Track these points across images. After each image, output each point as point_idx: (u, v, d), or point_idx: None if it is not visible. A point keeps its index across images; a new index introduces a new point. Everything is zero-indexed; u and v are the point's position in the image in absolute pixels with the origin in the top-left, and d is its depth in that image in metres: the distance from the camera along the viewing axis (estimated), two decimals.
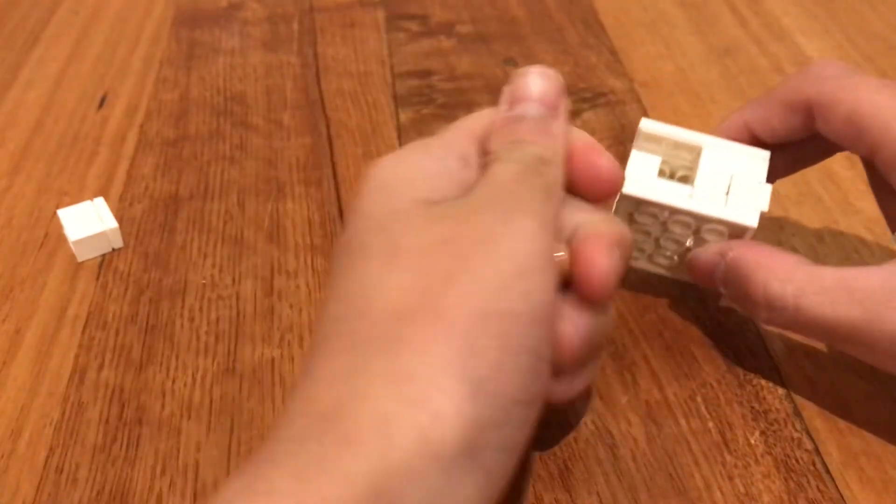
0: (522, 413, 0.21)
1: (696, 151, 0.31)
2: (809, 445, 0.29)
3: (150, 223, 0.39)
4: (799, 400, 0.31)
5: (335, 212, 0.39)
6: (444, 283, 0.21)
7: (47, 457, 0.29)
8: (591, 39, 0.51)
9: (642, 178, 0.31)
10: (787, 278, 0.27)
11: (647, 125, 0.31)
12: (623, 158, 0.32)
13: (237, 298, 0.35)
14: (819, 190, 0.39)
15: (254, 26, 0.53)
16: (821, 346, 0.32)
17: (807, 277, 0.27)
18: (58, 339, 0.34)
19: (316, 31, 0.52)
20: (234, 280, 0.36)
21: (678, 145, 0.31)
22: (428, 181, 0.24)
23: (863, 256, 0.36)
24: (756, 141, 0.31)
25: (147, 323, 0.34)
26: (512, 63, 0.49)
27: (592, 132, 0.43)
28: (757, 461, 0.29)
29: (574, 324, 0.24)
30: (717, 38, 0.51)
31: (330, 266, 0.25)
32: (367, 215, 0.23)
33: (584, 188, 0.27)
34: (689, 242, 0.31)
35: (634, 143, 0.31)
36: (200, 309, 0.35)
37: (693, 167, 0.31)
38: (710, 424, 0.30)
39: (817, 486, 0.28)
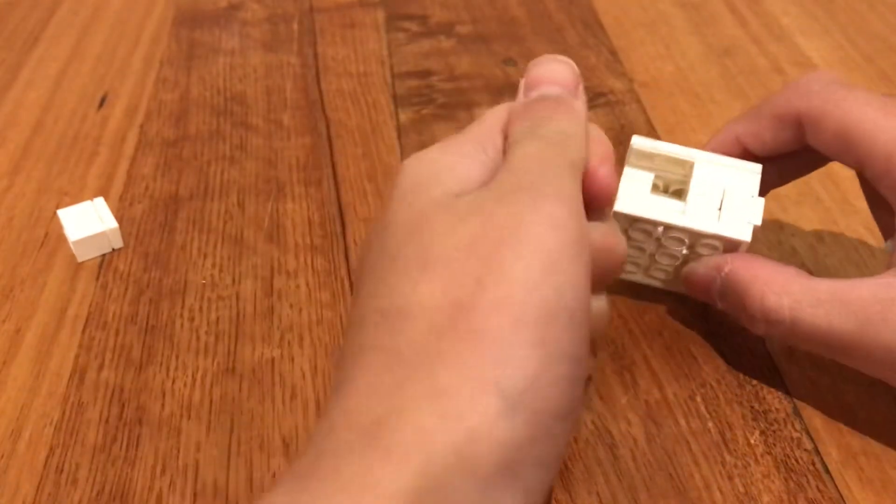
0: (561, 427, 0.21)
1: (688, 166, 0.31)
2: (809, 445, 0.29)
3: (150, 223, 0.39)
4: (798, 400, 0.31)
5: (335, 212, 0.39)
6: (475, 291, 0.20)
7: (47, 457, 0.29)
8: (591, 39, 0.51)
9: (635, 195, 0.31)
10: (783, 291, 0.28)
11: (638, 142, 0.32)
12: (623, 159, 0.32)
13: (237, 298, 0.35)
14: (819, 190, 0.39)
15: (254, 26, 0.53)
16: None
17: (802, 290, 0.27)
18: (58, 339, 0.34)
19: (316, 32, 0.52)
20: (234, 280, 0.36)
21: (670, 161, 0.31)
22: (456, 177, 0.23)
23: (862, 256, 0.36)
24: (747, 154, 0.32)
25: (147, 323, 0.34)
26: (512, 63, 0.49)
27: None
28: (757, 461, 0.29)
29: None
30: (716, 39, 0.51)
31: (358, 273, 0.24)
32: (395, 222, 0.23)
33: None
34: (683, 257, 0.32)
35: (627, 161, 0.32)
36: (200, 309, 0.35)
37: (686, 181, 0.31)
38: (710, 424, 0.30)
39: (817, 486, 0.28)
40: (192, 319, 0.34)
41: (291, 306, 0.35)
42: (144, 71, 0.49)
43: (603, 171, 0.25)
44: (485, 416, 0.19)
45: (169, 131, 0.44)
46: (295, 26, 0.53)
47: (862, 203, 0.32)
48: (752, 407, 0.30)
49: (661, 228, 0.31)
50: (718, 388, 0.31)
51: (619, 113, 0.45)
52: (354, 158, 0.42)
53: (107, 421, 0.30)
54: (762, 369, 0.32)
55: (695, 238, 0.31)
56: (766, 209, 0.38)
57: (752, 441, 0.29)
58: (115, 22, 0.54)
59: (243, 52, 0.50)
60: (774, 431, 0.30)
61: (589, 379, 0.31)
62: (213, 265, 0.37)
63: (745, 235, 0.30)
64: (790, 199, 0.39)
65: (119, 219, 0.38)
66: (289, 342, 0.33)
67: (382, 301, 0.21)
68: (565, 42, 0.51)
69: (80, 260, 0.37)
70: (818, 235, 0.37)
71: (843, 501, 0.27)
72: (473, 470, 0.18)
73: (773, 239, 0.37)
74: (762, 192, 0.31)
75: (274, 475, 0.29)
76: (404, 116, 0.45)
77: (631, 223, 0.31)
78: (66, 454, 0.29)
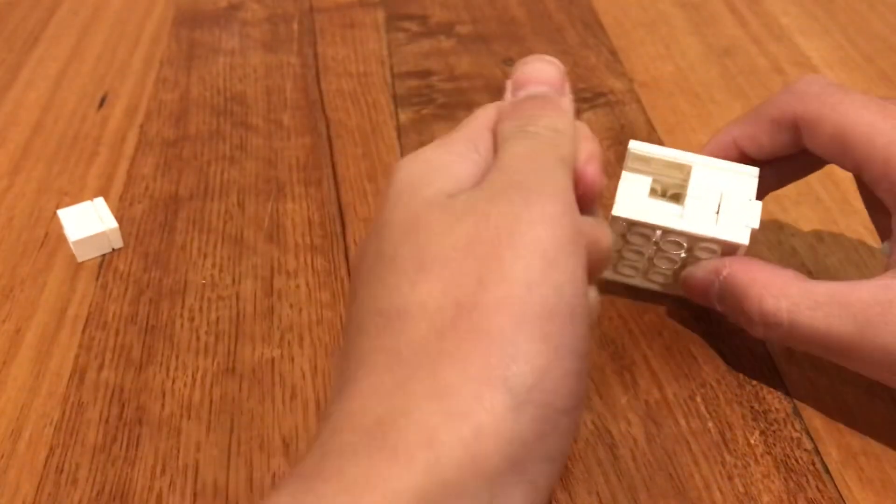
0: (567, 422, 0.21)
1: (685, 170, 0.31)
2: (809, 445, 0.29)
3: (150, 223, 0.39)
4: (798, 400, 0.31)
5: (335, 212, 0.39)
6: (476, 291, 0.20)
7: (47, 457, 0.29)
8: (591, 40, 0.51)
9: (633, 199, 0.31)
10: (781, 294, 0.28)
11: (635, 147, 0.32)
12: (622, 159, 0.32)
13: (237, 298, 0.35)
14: (819, 190, 0.39)
15: (254, 27, 0.53)
16: None
17: (800, 293, 0.27)
18: (58, 339, 0.34)
19: (316, 32, 0.52)
20: (234, 280, 0.36)
21: (668, 165, 0.32)
22: (449, 177, 0.24)
23: (862, 256, 0.36)
24: (744, 158, 0.32)
25: (147, 323, 0.34)
26: (511, 63, 0.49)
27: (592, 132, 0.43)
28: (756, 461, 0.29)
29: None
30: (716, 39, 0.51)
31: (356, 274, 0.24)
32: (391, 223, 0.23)
33: None
34: (681, 260, 0.32)
35: (624, 165, 0.32)
36: (200, 309, 0.35)
37: (684, 185, 0.31)
38: (710, 424, 0.30)
39: (817, 486, 0.28)
40: (192, 319, 0.34)
41: (291, 306, 0.35)
42: (144, 71, 0.49)
43: (590, 168, 0.25)
44: (492, 412, 0.19)
45: (169, 131, 0.44)
46: (295, 26, 0.53)
47: (861, 203, 0.32)
48: (752, 407, 0.30)
49: (659, 232, 0.31)
50: (718, 388, 0.31)
51: (619, 113, 0.45)
52: (354, 158, 0.42)
53: (107, 421, 0.31)
54: (762, 369, 0.32)
55: (693, 242, 0.31)
56: (766, 209, 0.38)
57: (752, 441, 0.29)
58: (115, 22, 0.54)
59: (243, 52, 0.51)
60: (774, 431, 0.30)
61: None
62: (213, 265, 0.37)
63: (743, 239, 0.30)
64: (790, 200, 0.39)
65: (119, 219, 0.38)
66: (289, 342, 0.33)
67: (382, 302, 0.22)
68: (565, 42, 0.51)
69: (80, 260, 0.37)
70: (818, 235, 0.37)
71: (843, 501, 0.27)
72: (480, 466, 0.19)
73: (773, 239, 0.37)
74: (760, 196, 0.31)
75: (274, 475, 0.29)
76: (404, 116, 0.45)
77: (629, 227, 0.31)
78: (66, 454, 0.29)
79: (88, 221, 0.37)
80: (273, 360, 0.33)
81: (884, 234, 0.31)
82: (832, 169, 0.31)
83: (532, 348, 0.20)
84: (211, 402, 0.31)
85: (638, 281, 0.34)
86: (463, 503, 0.18)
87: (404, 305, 0.21)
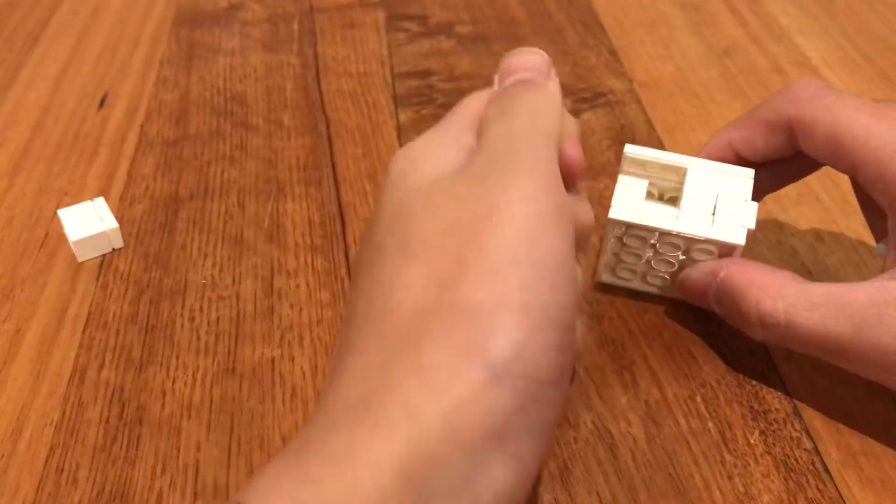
0: (550, 394, 0.21)
1: (681, 172, 0.32)
2: (809, 445, 0.29)
3: (151, 223, 0.39)
4: (798, 400, 0.31)
5: (335, 211, 0.39)
6: (456, 270, 0.21)
7: (47, 457, 0.29)
8: (591, 40, 0.51)
9: (629, 202, 0.31)
10: (778, 295, 0.28)
11: (631, 150, 0.32)
12: (622, 159, 0.32)
13: (237, 298, 0.35)
14: (818, 190, 0.39)
15: (254, 27, 0.53)
16: None
17: (797, 294, 0.27)
18: (58, 339, 0.34)
19: (316, 32, 0.52)
20: (234, 280, 0.36)
21: (663, 167, 0.32)
22: (436, 164, 0.24)
23: (862, 256, 0.36)
24: (740, 160, 0.32)
25: (147, 323, 0.34)
26: None
27: (592, 132, 0.44)
28: (756, 461, 0.29)
29: None
30: (716, 39, 0.51)
31: (355, 265, 0.25)
32: (382, 212, 0.24)
33: None
34: (679, 263, 0.32)
35: (620, 169, 0.32)
36: (200, 309, 0.35)
37: (680, 188, 0.31)
38: (710, 424, 0.30)
39: (816, 486, 0.28)
40: (192, 319, 0.34)
41: (291, 306, 0.35)
42: (144, 71, 0.49)
43: (567, 146, 0.26)
44: (470, 385, 0.19)
45: (169, 131, 0.44)
46: (295, 26, 0.53)
47: None
48: (752, 407, 0.30)
49: (655, 235, 0.31)
50: (718, 388, 0.31)
51: (619, 113, 0.45)
52: (354, 158, 0.42)
53: (107, 421, 0.31)
54: (762, 369, 0.32)
55: (689, 243, 0.31)
56: (766, 209, 0.38)
57: (752, 441, 0.29)
58: (115, 22, 0.54)
59: (243, 52, 0.51)
60: (774, 431, 0.30)
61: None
62: (214, 265, 0.37)
63: (740, 239, 0.30)
64: (790, 199, 0.39)
65: (119, 219, 0.38)
66: (289, 342, 0.33)
67: (372, 288, 0.22)
68: (565, 42, 0.51)
69: (80, 260, 0.37)
70: (818, 235, 0.37)
71: (843, 501, 0.27)
72: (461, 438, 0.19)
73: (772, 239, 0.37)
74: (756, 198, 0.31)
75: None
76: (404, 116, 0.45)
77: (626, 230, 0.31)
78: (66, 454, 0.29)
79: (89, 221, 0.37)
80: (273, 359, 0.33)
81: (879, 235, 0.31)
82: (832, 169, 0.31)
83: (511, 321, 0.20)
84: (211, 401, 0.31)
85: (636, 284, 0.34)
86: (444, 474, 0.19)
87: (389, 289, 0.22)
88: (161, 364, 0.32)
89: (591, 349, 0.32)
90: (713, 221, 0.30)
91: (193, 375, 0.32)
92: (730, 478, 0.28)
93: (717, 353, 0.32)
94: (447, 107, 0.45)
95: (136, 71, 0.49)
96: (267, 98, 0.47)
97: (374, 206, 0.25)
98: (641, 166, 0.32)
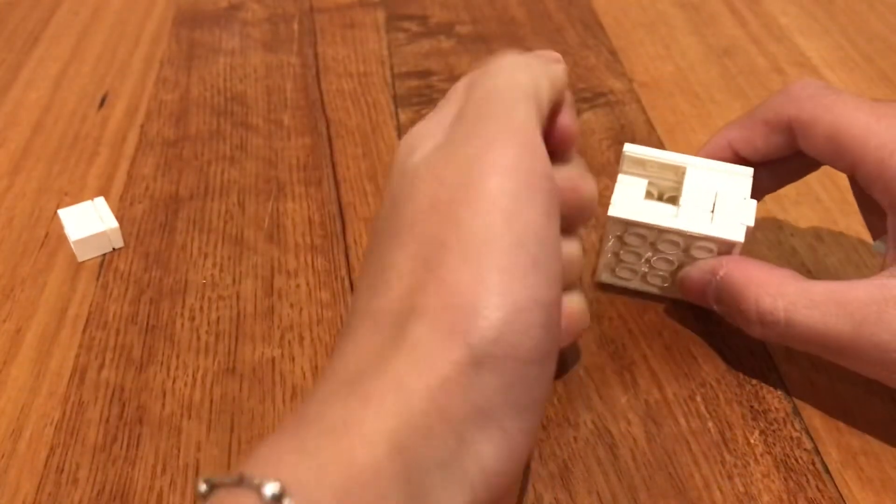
0: (535, 372, 0.21)
1: (680, 172, 0.32)
2: (809, 445, 0.29)
3: (151, 223, 0.39)
4: (798, 399, 0.31)
5: (335, 211, 0.39)
6: (439, 251, 0.21)
7: (48, 456, 0.29)
8: (591, 40, 0.51)
9: (629, 201, 0.31)
10: (777, 293, 0.28)
11: (630, 149, 0.32)
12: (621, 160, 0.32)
13: (237, 298, 0.35)
14: (818, 190, 0.39)
15: (254, 27, 0.53)
16: None
17: (797, 292, 0.27)
18: (58, 339, 0.34)
19: (316, 32, 0.52)
20: (234, 280, 0.36)
21: (663, 166, 0.32)
22: (430, 142, 0.24)
23: (862, 256, 0.36)
24: (740, 160, 0.32)
25: (147, 323, 0.34)
26: None
27: (592, 132, 0.44)
28: (756, 461, 0.29)
29: None
30: (716, 39, 0.51)
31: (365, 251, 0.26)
32: (385, 197, 0.25)
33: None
34: (678, 261, 0.32)
35: (620, 168, 0.32)
36: (201, 308, 0.35)
37: (679, 187, 0.32)
38: (710, 424, 0.30)
39: (816, 486, 0.28)
40: (192, 319, 0.34)
41: (292, 306, 0.35)
42: (144, 71, 0.49)
43: (562, 117, 0.26)
44: (455, 364, 0.20)
45: (169, 131, 0.44)
46: (295, 26, 0.53)
47: None
48: (752, 406, 0.30)
49: (655, 233, 0.31)
50: (718, 388, 0.31)
51: (619, 113, 0.45)
52: (354, 158, 0.42)
53: (107, 420, 0.31)
54: (762, 369, 0.32)
55: (689, 241, 0.31)
56: (766, 209, 0.38)
57: (752, 441, 0.29)
58: (115, 22, 0.54)
59: (243, 52, 0.51)
60: (774, 431, 0.30)
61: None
62: (214, 265, 0.37)
63: (738, 236, 0.30)
64: (790, 199, 0.39)
65: (119, 219, 0.38)
66: (289, 342, 0.33)
67: (369, 272, 0.23)
68: (565, 42, 0.51)
69: (80, 260, 0.37)
70: (818, 235, 0.37)
71: (843, 501, 0.27)
72: (447, 413, 0.20)
73: (772, 239, 0.37)
74: (756, 197, 0.31)
75: None
76: (404, 116, 0.45)
77: (626, 228, 0.31)
78: (66, 454, 0.29)
79: (89, 221, 0.37)
80: (273, 359, 0.33)
81: (876, 233, 0.31)
82: (832, 169, 0.31)
83: (491, 303, 0.20)
84: (211, 401, 0.31)
85: (636, 284, 0.34)
86: (433, 448, 0.19)
87: (381, 271, 0.22)
88: (161, 364, 0.32)
89: (591, 349, 0.32)
90: (712, 219, 0.30)
91: (194, 375, 0.32)
92: (730, 478, 0.28)
93: (717, 353, 0.32)
94: None
95: (137, 71, 0.49)
96: (267, 98, 0.47)
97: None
98: (641, 165, 0.32)
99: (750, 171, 0.31)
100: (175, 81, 0.48)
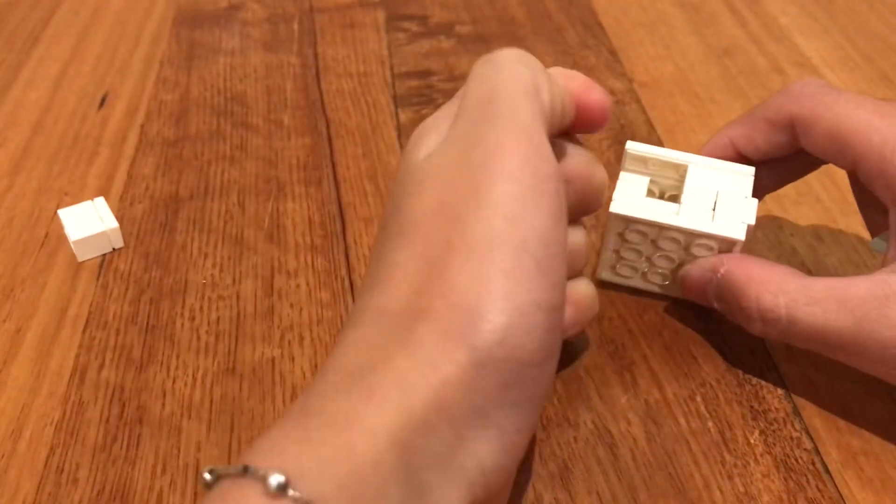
0: (534, 373, 0.22)
1: (682, 170, 0.32)
2: (809, 445, 0.29)
3: (151, 223, 0.39)
4: (798, 399, 0.31)
5: (335, 211, 0.39)
6: (444, 254, 0.21)
7: (48, 456, 0.29)
8: (591, 40, 0.51)
9: (631, 198, 0.31)
10: (778, 290, 0.28)
11: (632, 147, 0.32)
12: (622, 158, 0.32)
13: (237, 298, 0.35)
14: (818, 189, 0.39)
15: (254, 27, 0.53)
16: None
17: (798, 289, 0.28)
18: (58, 339, 0.34)
19: (316, 32, 0.52)
20: (234, 280, 0.36)
21: (664, 164, 0.32)
22: (436, 137, 0.25)
23: (862, 256, 0.36)
24: (741, 158, 0.32)
25: (147, 323, 0.34)
26: None
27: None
28: (756, 460, 0.29)
29: None
30: (716, 39, 0.51)
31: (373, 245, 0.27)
32: (391, 191, 0.25)
33: (577, 123, 0.27)
34: (679, 259, 0.32)
35: (622, 165, 0.32)
36: (201, 308, 0.35)
37: (681, 185, 0.32)
38: (710, 424, 0.30)
39: (816, 486, 0.28)
40: (192, 319, 0.34)
41: (292, 306, 0.35)
42: (144, 71, 0.49)
43: (592, 94, 0.26)
44: (456, 365, 0.20)
45: (169, 131, 0.44)
46: (295, 26, 0.53)
47: None
48: (752, 406, 0.30)
49: (656, 230, 0.31)
50: (718, 388, 0.31)
51: (619, 113, 0.45)
52: (354, 158, 0.42)
53: (107, 420, 0.31)
54: (762, 369, 0.32)
55: (689, 238, 0.31)
56: (766, 209, 0.38)
57: (752, 441, 0.29)
58: (115, 22, 0.54)
59: (243, 52, 0.51)
60: (774, 431, 0.30)
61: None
62: (214, 265, 0.37)
63: (739, 234, 0.30)
64: (790, 199, 0.39)
65: (119, 219, 0.38)
66: (289, 342, 0.33)
67: (375, 267, 0.23)
68: (565, 42, 0.51)
69: (80, 260, 0.37)
70: (818, 235, 0.37)
71: (843, 501, 0.27)
72: (446, 411, 0.20)
73: (772, 239, 0.37)
74: (757, 196, 0.31)
75: None
76: (404, 116, 0.45)
77: (627, 225, 0.31)
78: (66, 454, 0.29)
79: (89, 221, 0.37)
80: (273, 359, 0.33)
81: (875, 230, 0.31)
82: (832, 169, 0.31)
83: (494, 307, 0.21)
84: (211, 401, 0.31)
85: (637, 282, 0.34)
86: (432, 444, 0.20)
87: (387, 268, 0.23)
88: (161, 364, 0.32)
89: (591, 349, 0.32)
90: (713, 217, 0.30)
91: (194, 375, 0.32)
92: (730, 477, 0.28)
93: (717, 353, 0.32)
94: None
95: (137, 71, 0.49)
96: (267, 98, 0.47)
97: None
98: (643, 163, 0.32)
99: (751, 169, 0.31)
100: (175, 81, 0.48)
